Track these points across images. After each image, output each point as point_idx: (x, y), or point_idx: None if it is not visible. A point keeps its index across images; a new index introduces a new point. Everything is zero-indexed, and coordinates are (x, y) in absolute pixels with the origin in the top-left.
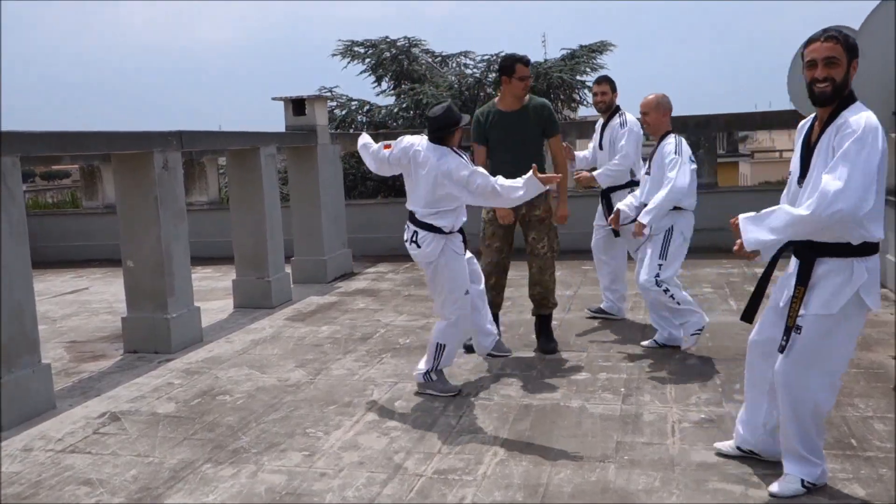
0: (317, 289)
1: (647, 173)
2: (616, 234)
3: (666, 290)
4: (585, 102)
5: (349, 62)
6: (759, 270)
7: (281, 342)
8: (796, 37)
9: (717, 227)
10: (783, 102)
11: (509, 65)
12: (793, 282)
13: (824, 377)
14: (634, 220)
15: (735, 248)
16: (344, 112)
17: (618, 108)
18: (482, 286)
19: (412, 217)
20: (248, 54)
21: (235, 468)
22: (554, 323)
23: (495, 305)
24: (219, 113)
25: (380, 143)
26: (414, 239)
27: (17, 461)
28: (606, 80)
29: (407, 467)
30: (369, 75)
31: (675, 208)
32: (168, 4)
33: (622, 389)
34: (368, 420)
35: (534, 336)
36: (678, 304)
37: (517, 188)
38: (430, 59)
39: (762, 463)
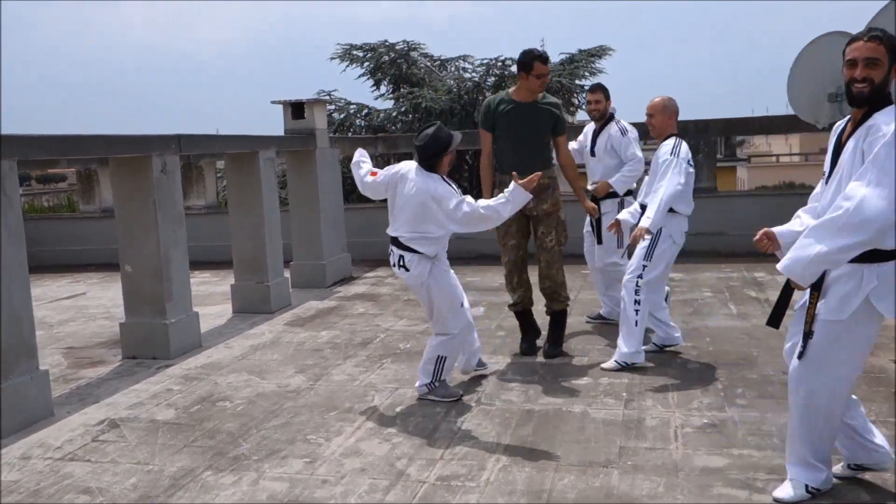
0: (316, 293)
1: (646, 173)
2: (600, 241)
3: (636, 302)
4: (584, 107)
5: (348, 66)
6: (759, 276)
7: (280, 347)
8: (796, 37)
9: (717, 232)
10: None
11: (528, 61)
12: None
13: (834, 383)
14: (635, 226)
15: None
16: (342, 116)
17: (612, 116)
18: (467, 305)
19: (396, 242)
20: (247, 56)
21: (236, 475)
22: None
23: (527, 301)
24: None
25: (367, 169)
26: (401, 263)
27: (16, 469)
28: (601, 89)
29: (409, 474)
30: (368, 79)
31: (669, 211)
32: (166, 5)
33: (624, 394)
34: (370, 426)
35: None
36: (635, 324)
37: (505, 203)
38: (428, 63)
39: (766, 468)
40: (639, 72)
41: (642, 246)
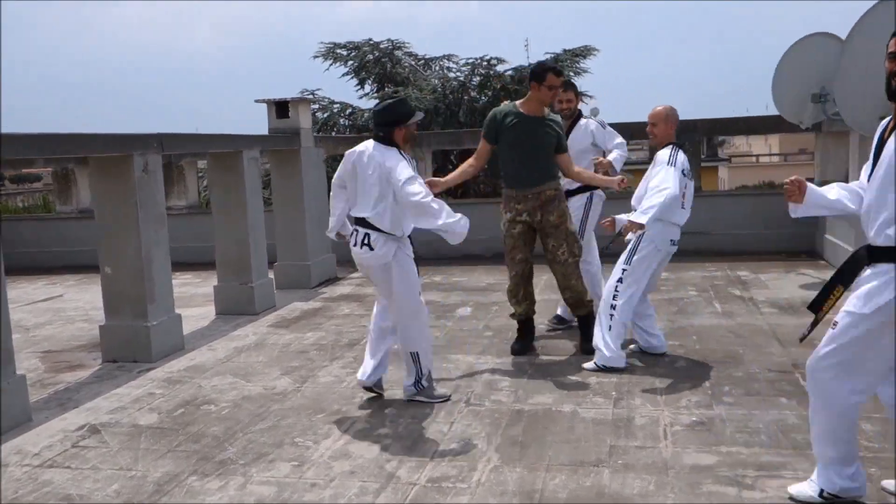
0: (301, 294)
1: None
2: (581, 236)
3: (613, 307)
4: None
5: (331, 64)
6: (743, 274)
7: (265, 349)
8: (783, 39)
9: (701, 231)
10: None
11: (541, 72)
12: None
13: (854, 378)
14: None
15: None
16: (326, 115)
17: (580, 113)
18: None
19: (362, 221)
20: (229, 55)
21: (223, 480)
22: (541, 327)
23: (531, 311)
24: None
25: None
26: (366, 241)
27: None
28: (572, 88)
29: (399, 476)
30: (352, 78)
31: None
32: (150, 5)
33: (613, 393)
34: (358, 428)
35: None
36: (609, 329)
37: (455, 216)
38: (413, 62)
39: (754, 465)
40: (623, 72)
41: (629, 249)
